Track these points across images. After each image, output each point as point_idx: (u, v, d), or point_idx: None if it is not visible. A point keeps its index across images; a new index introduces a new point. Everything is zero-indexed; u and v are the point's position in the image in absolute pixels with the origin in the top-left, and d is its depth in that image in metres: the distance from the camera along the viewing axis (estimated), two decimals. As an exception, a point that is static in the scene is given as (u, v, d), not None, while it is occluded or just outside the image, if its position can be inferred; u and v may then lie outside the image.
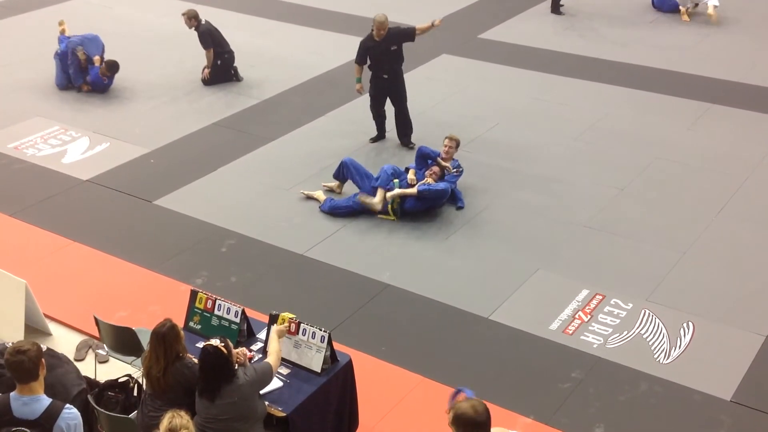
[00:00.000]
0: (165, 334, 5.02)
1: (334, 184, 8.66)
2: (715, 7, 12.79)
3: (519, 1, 14.16)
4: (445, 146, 8.54)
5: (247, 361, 5.19)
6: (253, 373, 4.99)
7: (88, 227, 8.32)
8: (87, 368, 6.30)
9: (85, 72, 11.14)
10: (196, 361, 5.12)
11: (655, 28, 12.91)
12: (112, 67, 11.17)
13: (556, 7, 13.46)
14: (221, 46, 11.34)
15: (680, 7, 13.13)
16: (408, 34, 9.35)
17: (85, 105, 10.92)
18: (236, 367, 4.96)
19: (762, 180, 8.89)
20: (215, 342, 4.88)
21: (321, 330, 5.48)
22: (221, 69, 11.38)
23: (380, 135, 9.80)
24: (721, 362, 6.45)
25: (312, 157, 9.48)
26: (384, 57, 9.33)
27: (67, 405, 4.44)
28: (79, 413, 4.46)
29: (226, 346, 4.89)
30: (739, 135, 9.82)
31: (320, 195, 8.46)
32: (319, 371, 5.44)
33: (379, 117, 9.71)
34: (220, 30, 11.37)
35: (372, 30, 9.23)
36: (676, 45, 12.35)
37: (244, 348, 5.35)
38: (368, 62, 9.48)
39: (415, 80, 11.46)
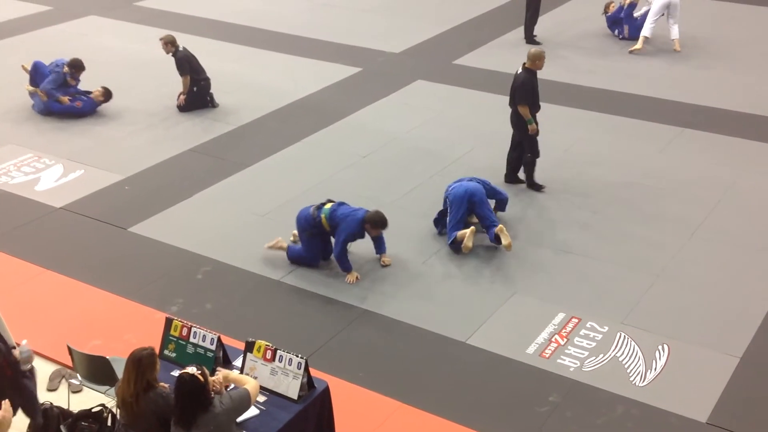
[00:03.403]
0: (141, 359, 4.99)
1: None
2: (676, 39, 13.15)
3: (493, 29, 14.32)
4: None
5: (224, 389, 5.15)
6: (229, 402, 4.95)
7: (61, 255, 8.25)
8: (60, 398, 6.22)
9: (63, 89, 11.13)
10: (171, 390, 5.08)
11: (624, 57, 13.09)
12: (108, 94, 11.30)
13: (530, 37, 13.63)
14: (198, 72, 11.34)
15: (641, 35, 13.29)
16: None
17: (58, 132, 10.86)
18: (212, 396, 4.92)
19: (733, 202, 9.01)
20: (191, 370, 4.84)
21: (298, 356, 5.45)
22: (197, 95, 11.38)
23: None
24: (696, 384, 6.49)
25: (288, 184, 9.48)
26: (538, 95, 9.02)
27: None
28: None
29: (203, 374, 4.86)
30: (711, 158, 9.95)
31: (282, 243, 8.13)
32: (296, 398, 5.40)
33: (533, 164, 9.24)
34: (196, 56, 11.39)
35: (527, 62, 8.88)
36: (645, 72, 12.53)
37: (220, 375, 5.29)
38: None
39: (391, 106, 11.54)
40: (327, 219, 7.72)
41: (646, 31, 13.19)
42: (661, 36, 13.41)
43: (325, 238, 7.90)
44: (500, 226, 7.99)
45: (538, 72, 9.01)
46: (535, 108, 8.99)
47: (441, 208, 8.50)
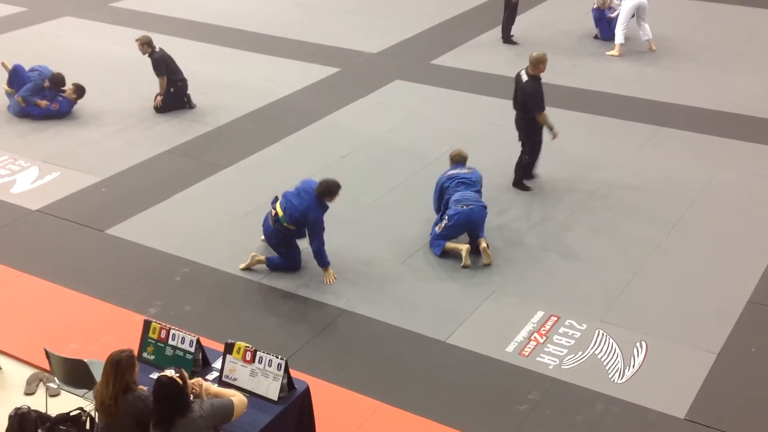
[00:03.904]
0: (120, 361, 4.96)
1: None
2: (650, 39, 13.27)
3: (470, 29, 14.36)
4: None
5: (203, 392, 5.11)
6: (209, 408, 4.91)
7: (37, 258, 8.17)
8: (38, 402, 6.16)
9: (40, 93, 11.04)
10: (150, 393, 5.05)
11: (600, 57, 13.17)
12: (80, 90, 11.19)
13: (507, 37, 13.67)
14: (175, 73, 11.28)
15: (616, 43, 13.39)
16: None
17: (34, 134, 10.76)
18: (191, 398, 4.89)
19: (710, 200, 9.09)
20: (170, 373, 4.81)
21: (277, 358, 5.44)
22: (174, 96, 11.32)
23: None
24: (674, 381, 6.55)
25: (266, 185, 9.45)
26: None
27: None
28: None
29: (182, 377, 4.83)
30: (687, 156, 10.04)
31: (258, 257, 7.94)
32: (276, 399, 5.39)
33: (531, 167, 9.32)
34: (173, 57, 11.32)
35: (529, 68, 8.90)
36: (621, 71, 12.62)
37: (200, 378, 5.27)
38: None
39: (369, 106, 11.54)
40: (289, 222, 7.62)
41: (619, 38, 13.29)
42: (637, 36, 13.50)
43: (297, 239, 7.87)
44: (484, 244, 7.94)
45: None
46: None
47: (428, 203, 8.49)
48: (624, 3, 13.28)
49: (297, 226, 7.66)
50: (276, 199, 7.80)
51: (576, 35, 13.98)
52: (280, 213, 7.62)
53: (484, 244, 7.94)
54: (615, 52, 13.22)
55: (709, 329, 7.10)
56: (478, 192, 8.20)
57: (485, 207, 8.11)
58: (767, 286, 7.63)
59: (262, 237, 8.05)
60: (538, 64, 8.88)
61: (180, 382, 4.78)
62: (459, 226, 8.00)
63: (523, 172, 9.30)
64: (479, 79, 12.32)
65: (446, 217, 8.02)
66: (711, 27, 14.37)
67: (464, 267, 7.89)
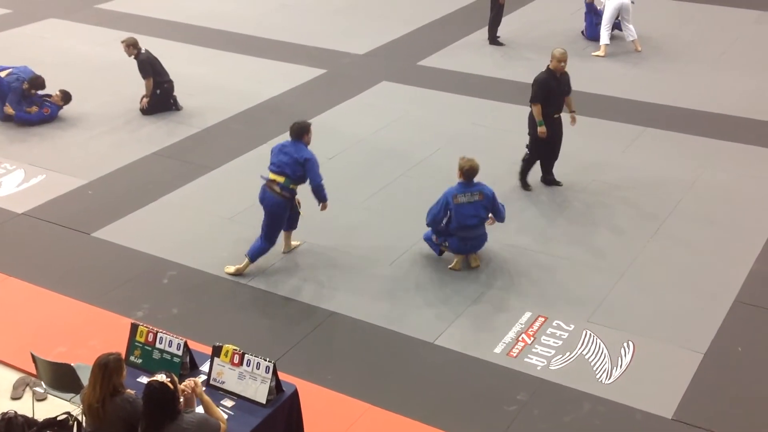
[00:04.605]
0: (108, 363, 4.94)
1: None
2: (635, 39, 13.33)
3: (457, 30, 14.37)
4: None
5: (194, 396, 5.07)
6: (203, 420, 4.88)
7: (24, 261, 8.13)
8: (24, 407, 6.13)
9: (27, 99, 10.98)
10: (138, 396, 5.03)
11: (586, 58, 13.21)
12: (67, 96, 11.16)
13: (493, 38, 13.70)
14: (161, 75, 11.25)
15: (600, 44, 13.45)
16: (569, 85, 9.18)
17: (20, 137, 10.70)
18: (181, 400, 4.86)
19: (696, 200, 9.14)
20: (161, 377, 4.78)
21: (266, 360, 5.43)
22: (161, 98, 11.28)
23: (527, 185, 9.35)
24: (661, 381, 6.58)
25: (253, 186, 9.41)
26: (559, 96, 9.06)
27: None
28: None
29: (173, 382, 4.80)
30: (673, 157, 10.08)
31: (246, 264, 7.94)
32: (265, 402, 5.38)
33: (530, 164, 9.22)
34: (159, 59, 11.29)
35: (549, 65, 8.95)
36: (607, 72, 12.66)
37: (192, 380, 5.19)
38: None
39: (356, 107, 11.54)
40: (293, 180, 7.64)
41: (603, 38, 13.36)
42: (622, 36, 13.55)
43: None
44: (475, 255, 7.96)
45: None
46: (551, 108, 9.01)
47: (415, 204, 8.45)
48: (607, 4, 13.35)
49: (299, 179, 7.68)
50: (263, 177, 7.77)
51: (562, 36, 14.00)
52: (282, 179, 7.63)
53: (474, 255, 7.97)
54: (600, 52, 13.27)
55: (695, 329, 7.14)
56: (486, 213, 7.85)
57: (486, 236, 7.99)
58: (753, 286, 7.68)
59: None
60: (551, 58, 8.98)
61: (171, 387, 4.76)
62: (458, 252, 7.94)
63: (523, 168, 9.34)
64: (466, 79, 12.34)
65: (447, 243, 7.92)
66: (696, 27, 14.44)
67: (452, 269, 7.90)
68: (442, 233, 7.90)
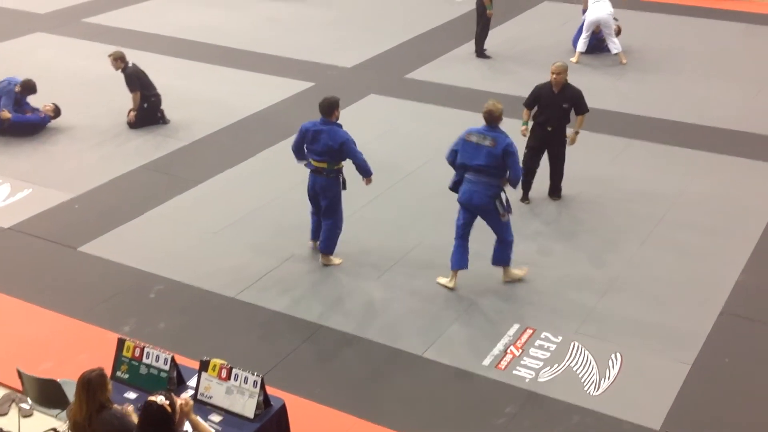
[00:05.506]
0: (90, 380, 4.91)
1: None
2: (620, 52, 13.45)
3: (444, 43, 14.44)
4: None
5: (191, 412, 5.00)
6: None
7: (9, 276, 8.08)
8: (10, 423, 6.09)
9: (20, 107, 10.99)
10: (126, 410, 4.99)
11: (572, 71, 13.17)
12: (57, 110, 11.21)
13: (480, 51, 13.77)
14: (148, 88, 11.24)
15: (576, 51, 13.60)
16: (583, 106, 9.18)
17: (5, 151, 10.66)
18: (177, 428, 4.78)
19: (682, 211, 9.18)
20: (160, 399, 4.72)
21: (253, 374, 5.41)
22: (148, 112, 11.27)
23: (525, 195, 9.36)
24: (649, 392, 6.59)
25: (241, 200, 9.43)
26: (553, 109, 9.06)
27: None
28: None
29: (171, 405, 4.73)
30: (659, 169, 10.14)
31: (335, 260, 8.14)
32: (252, 417, 5.36)
33: (528, 173, 9.17)
34: (146, 72, 11.28)
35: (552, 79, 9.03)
36: (593, 85, 12.68)
37: (184, 398, 5.12)
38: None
39: (344, 120, 11.45)
40: (334, 161, 7.90)
41: (579, 46, 13.56)
42: (608, 49, 13.63)
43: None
44: (508, 274, 7.91)
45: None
46: (542, 118, 9.11)
47: (404, 216, 8.49)
48: (586, 16, 13.50)
49: (340, 161, 7.94)
50: (309, 165, 7.98)
51: (549, 49, 14.08)
52: (325, 165, 7.87)
53: (507, 274, 7.91)
54: (574, 58, 13.42)
55: (682, 340, 7.16)
56: (489, 161, 7.45)
57: (490, 196, 7.55)
58: (739, 298, 7.72)
59: (310, 242, 8.28)
60: (551, 72, 9.11)
61: (169, 410, 4.70)
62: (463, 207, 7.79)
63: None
64: (453, 92, 12.38)
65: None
66: (682, 40, 14.54)
67: (439, 284, 7.88)
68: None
